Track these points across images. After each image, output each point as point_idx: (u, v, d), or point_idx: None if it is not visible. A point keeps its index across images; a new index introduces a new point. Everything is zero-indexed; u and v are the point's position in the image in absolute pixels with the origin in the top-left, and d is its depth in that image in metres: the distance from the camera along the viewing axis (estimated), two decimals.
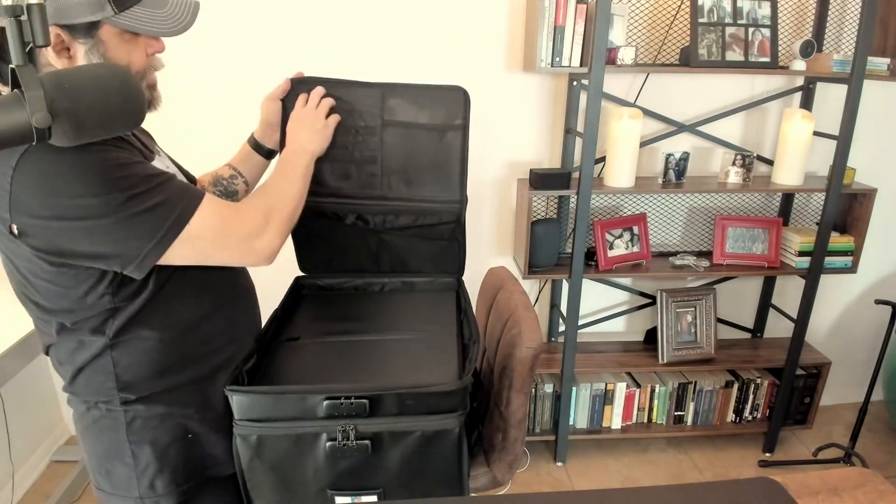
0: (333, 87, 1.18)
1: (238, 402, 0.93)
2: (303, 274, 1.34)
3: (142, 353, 0.94)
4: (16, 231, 0.82)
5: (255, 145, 1.25)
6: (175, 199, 0.88)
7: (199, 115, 2.03)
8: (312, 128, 1.14)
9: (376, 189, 1.23)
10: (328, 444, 0.94)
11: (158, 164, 0.97)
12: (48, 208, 0.80)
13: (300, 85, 1.18)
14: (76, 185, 0.80)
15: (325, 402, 0.92)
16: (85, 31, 0.84)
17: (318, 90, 1.17)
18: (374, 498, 0.99)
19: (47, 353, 0.99)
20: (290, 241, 1.30)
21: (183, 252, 0.89)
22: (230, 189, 1.24)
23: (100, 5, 0.82)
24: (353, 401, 0.92)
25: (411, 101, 1.20)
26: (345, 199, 1.23)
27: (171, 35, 0.91)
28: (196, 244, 0.90)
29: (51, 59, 0.84)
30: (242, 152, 1.27)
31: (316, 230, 1.28)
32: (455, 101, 1.19)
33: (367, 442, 0.94)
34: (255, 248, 0.97)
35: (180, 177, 1.04)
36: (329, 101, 1.17)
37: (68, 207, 0.80)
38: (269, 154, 1.26)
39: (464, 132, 1.21)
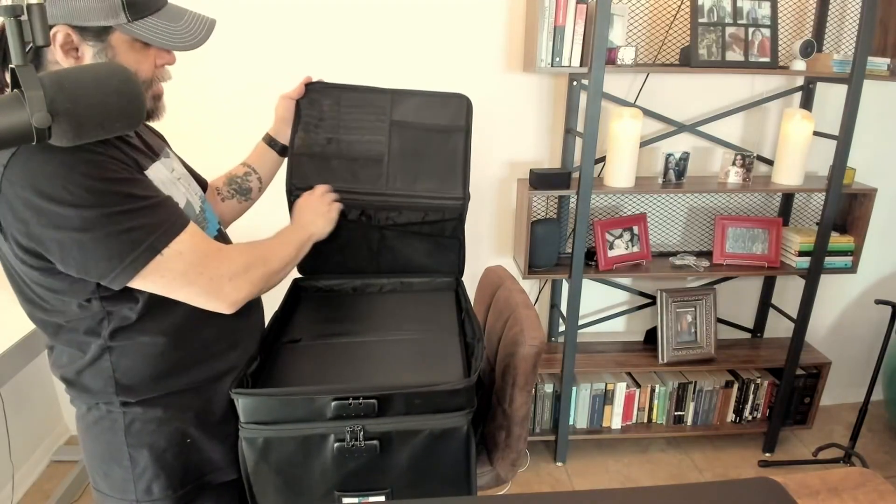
0: (347, 90, 1.28)
1: (244, 404, 0.93)
2: (300, 276, 1.34)
3: (140, 358, 0.93)
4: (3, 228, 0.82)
5: (270, 141, 1.30)
6: (154, 226, 0.85)
7: (206, 121, 2.03)
8: (317, 210, 1.21)
9: (381, 186, 1.28)
10: (336, 444, 0.94)
11: (164, 166, 0.97)
12: (30, 211, 0.79)
13: (313, 91, 1.27)
14: (59, 193, 0.78)
15: (334, 403, 0.92)
16: (96, 34, 0.84)
17: (322, 187, 1.25)
18: (381, 498, 0.99)
19: (51, 352, 0.98)
20: None
21: (153, 279, 0.86)
22: (244, 187, 1.27)
23: (114, 12, 0.82)
24: (361, 401, 0.92)
25: (418, 106, 1.28)
26: (350, 195, 1.28)
27: (183, 50, 0.91)
28: (167, 274, 0.87)
29: (58, 58, 0.84)
30: (258, 150, 1.31)
31: None
32: (458, 106, 1.29)
33: (375, 442, 0.94)
34: (223, 291, 0.92)
35: (186, 181, 1.03)
36: (332, 195, 1.25)
37: (48, 213, 0.79)
38: (282, 150, 1.31)
39: (466, 134, 1.29)
